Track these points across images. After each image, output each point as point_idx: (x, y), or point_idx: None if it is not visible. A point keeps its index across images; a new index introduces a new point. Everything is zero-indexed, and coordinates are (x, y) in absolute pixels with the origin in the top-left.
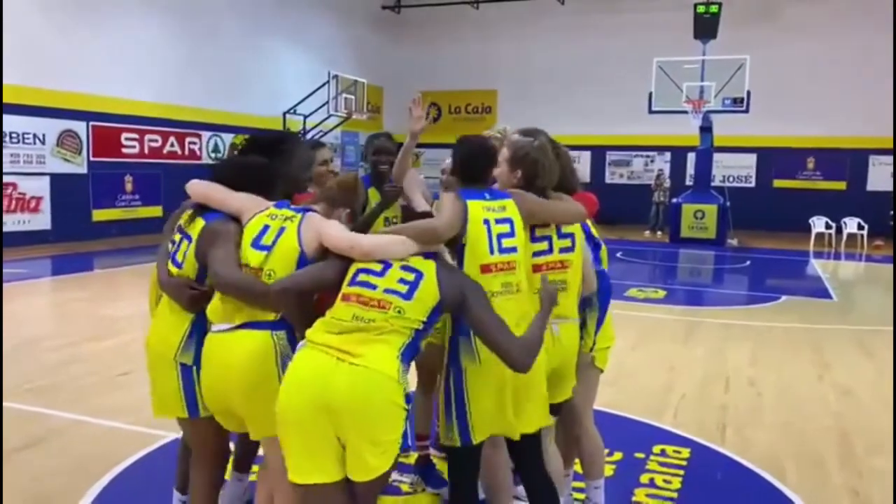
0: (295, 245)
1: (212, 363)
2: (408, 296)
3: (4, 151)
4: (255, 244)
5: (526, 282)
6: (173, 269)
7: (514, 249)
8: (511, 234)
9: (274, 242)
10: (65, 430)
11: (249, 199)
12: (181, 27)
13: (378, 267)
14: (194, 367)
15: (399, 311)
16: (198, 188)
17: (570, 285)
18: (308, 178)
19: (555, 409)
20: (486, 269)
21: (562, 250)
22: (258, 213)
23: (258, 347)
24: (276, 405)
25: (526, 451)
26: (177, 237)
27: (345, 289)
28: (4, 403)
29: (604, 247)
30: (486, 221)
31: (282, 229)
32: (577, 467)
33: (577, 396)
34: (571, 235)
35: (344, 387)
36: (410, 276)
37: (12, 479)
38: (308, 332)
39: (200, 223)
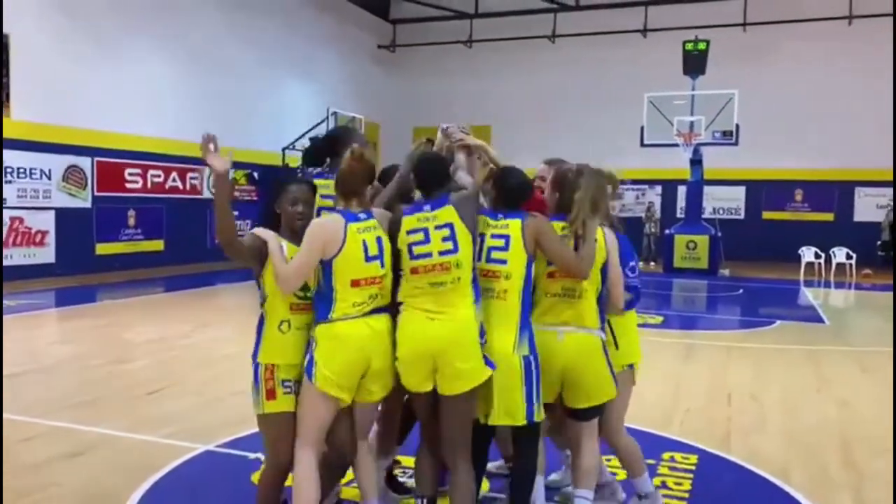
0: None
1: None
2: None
3: (12, 187)
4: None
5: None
6: None
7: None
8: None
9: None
10: (106, 441)
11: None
12: (183, 65)
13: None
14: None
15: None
16: None
17: (581, 293)
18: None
19: (578, 415)
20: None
21: None
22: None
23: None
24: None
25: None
26: None
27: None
28: (48, 420)
29: None
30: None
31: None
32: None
33: (613, 411)
34: None
35: (446, 335)
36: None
37: (64, 482)
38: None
39: None
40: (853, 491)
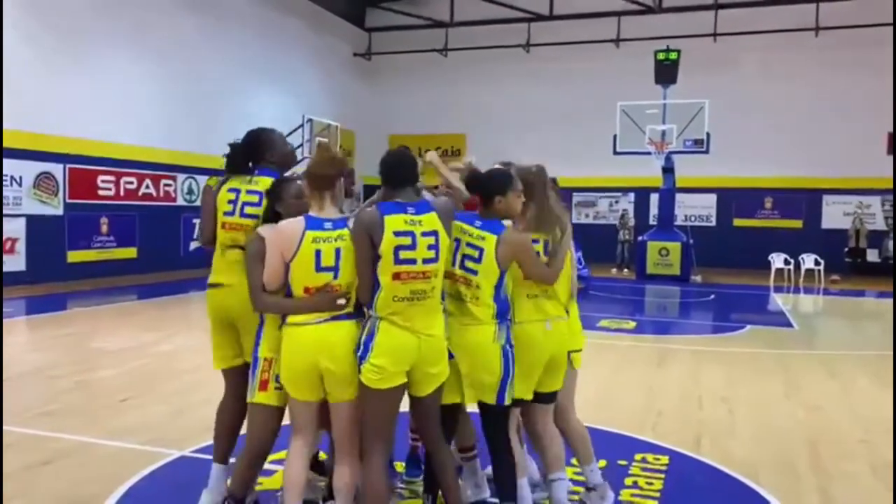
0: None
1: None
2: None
3: None
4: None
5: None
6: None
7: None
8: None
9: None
10: (78, 449)
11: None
12: (158, 71)
13: (408, 241)
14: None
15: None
16: None
17: (556, 294)
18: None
19: (548, 398)
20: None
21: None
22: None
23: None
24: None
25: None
26: None
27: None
28: (19, 428)
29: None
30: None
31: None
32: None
33: (562, 394)
34: None
35: (426, 352)
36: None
37: (37, 490)
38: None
39: None
40: (821, 492)
